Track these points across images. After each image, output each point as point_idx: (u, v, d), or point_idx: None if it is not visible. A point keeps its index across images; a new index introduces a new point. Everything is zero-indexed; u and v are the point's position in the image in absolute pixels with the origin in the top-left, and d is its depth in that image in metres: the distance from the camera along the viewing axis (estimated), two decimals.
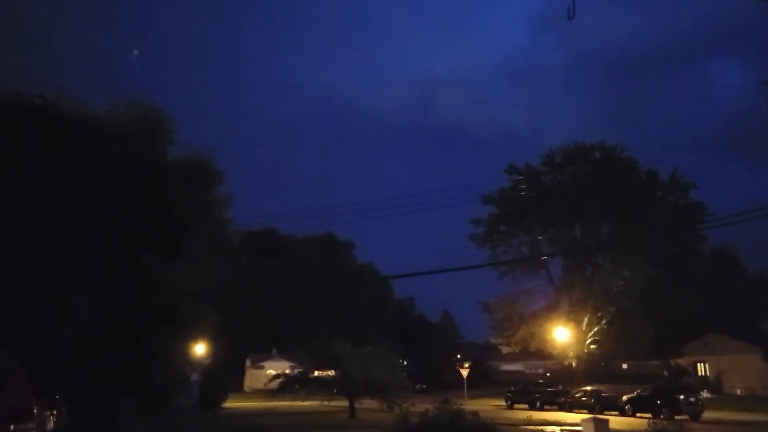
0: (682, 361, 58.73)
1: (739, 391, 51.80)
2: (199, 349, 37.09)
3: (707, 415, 32.29)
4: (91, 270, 21.66)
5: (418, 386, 52.41)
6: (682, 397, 32.89)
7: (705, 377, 56.41)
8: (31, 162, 21.25)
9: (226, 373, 42.23)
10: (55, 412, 19.15)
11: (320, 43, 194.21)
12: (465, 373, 50.25)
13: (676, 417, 28.18)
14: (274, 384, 35.53)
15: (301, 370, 37.79)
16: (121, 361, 21.54)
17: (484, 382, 69.23)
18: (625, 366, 67.60)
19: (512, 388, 46.64)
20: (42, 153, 21.54)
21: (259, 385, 53.01)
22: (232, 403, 41.77)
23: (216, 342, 40.68)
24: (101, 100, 24.74)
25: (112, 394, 21.61)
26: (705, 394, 43.42)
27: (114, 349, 21.35)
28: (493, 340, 59.61)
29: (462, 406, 16.44)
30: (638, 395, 35.62)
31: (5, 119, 21.84)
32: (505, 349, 57.69)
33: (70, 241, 21.42)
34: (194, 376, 33.99)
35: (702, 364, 57.85)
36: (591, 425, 13.51)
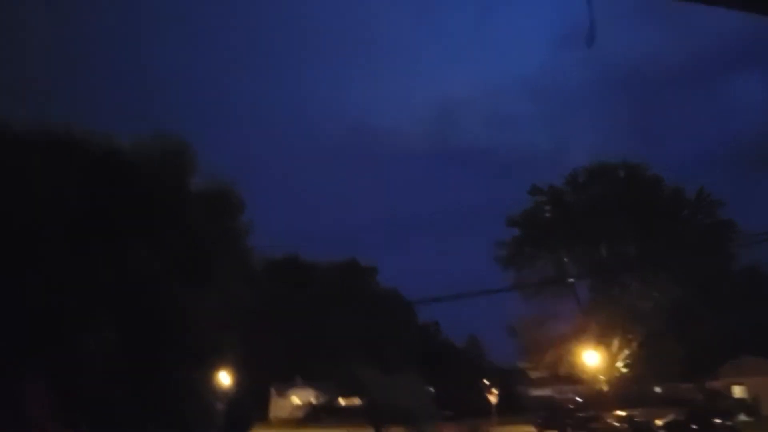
0: (717, 384, 57.10)
1: None
2: (224, 377, 36.97)
3: None
4: (118, 301, 21.86)
5: (445, 413, 51.49)
6: (718, 421, 31.97)
7: (741, 400, 54.76)
8: (59, 196, 21.61)
9: (251, 402, 41.98)
10: None
11: (340, 66, 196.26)
12: (493, 399, 49.37)
13: None
14: (300, 413, 35.30)
15: (326, 398, 37.54)
16: (148, 390, 21.57)
17: (513, 407, 67.92)
18: (658, 389, 65.89)
19: (542, 414, 45.74)
20: (70, 186, 21.91)
21: (285, 414, 52.59)
22: None
23: (240, 370, 40.54)
24: (127, 132, 25.18)
25: (139, 423, 21.61)
26: (742, 417, 42.13)
27: (140, 379, 21.41)
28: (520, 365, 58.61)
29: None
30: (673, 419, 34.71)
31: (35, 153, 22.31)
32: (533, 374, 56.66)
33: (98, 273, 21.66)
34: (219, 405, 33.85)
35: (738, 387, 56.20)
36: None
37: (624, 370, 51.08)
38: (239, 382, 42.21)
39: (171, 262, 23.78)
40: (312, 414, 34.67)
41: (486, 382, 70.99)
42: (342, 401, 35.67)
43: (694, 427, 31.91)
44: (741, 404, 53.11)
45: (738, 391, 56.08)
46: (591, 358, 49.17)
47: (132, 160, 24.48)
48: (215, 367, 28.29)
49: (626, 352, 50.56)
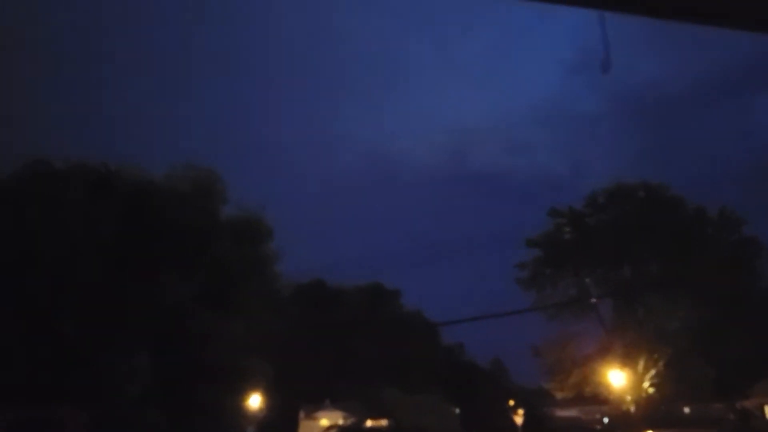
0: (749, 404, 56.25)
1: None
2: (254, 401, 37.80)
3: None
4: (150, 329, 22.83)
5: None
6: None
7: None
8: (94, 228, 22.81)
9: (280, 425, 42.68)
10: None
11: (360, 95, 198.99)
12: (519, 419, 49.48)
13: None
14: None
15: (353, 419, 38.06)
16: (179, 415, 22.39)
17: (538, 428, 67.53)
18: (687, 410, 65.01)
19: None
20: (104, 219, 23.13)
21: None
22: None
23: (270, 394, 41.32)
24: (159, 165, 26.44)
25: None
26: None
27: (172, 404, 22.24)
28: (545, 386, 58.44)
29: None
30: None
31: (70, 187, 23.59)
32: (558, 395, 56.44)
33: (131, 302, 22.72)
34: (249, 429, 34.56)
35: None
36: None
37: (651, 390, 50.70)
38: (269, 405, 43.01)
39: (201, 289, 24.78)
40: None
41: (511, 403, 70.84)
42: (369, 422, 36.16)
43: None
44: None
45: None
46: (617, 378, 49.01)
47: (164, 191, 25.61)
48: (245, 390, 29.13)
49: (653, 372, 50.23)
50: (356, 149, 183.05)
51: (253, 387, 30.68)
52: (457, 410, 47.28)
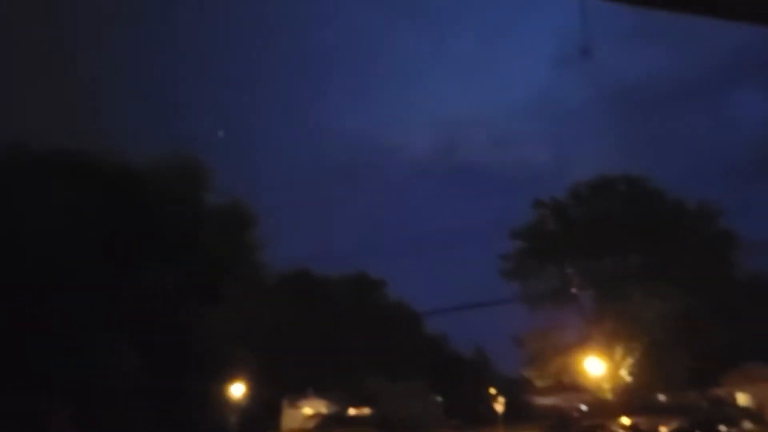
0: (722, 391, 57.53)
1: None
2: (237, 390, 37.88)
3: None
4: (134, 317, 22.74)
5: (453, 422, 52.23)
6: (722, 428, 32.65)
7: (746, 407, 55.18)
8: (76, 215, 22.57)
9: (263, 414, 42.84)
10: None
11: (350, 86, 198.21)
12: (500, 407, 50.07)
13: None
14: (311, 423, 36.10)
15: (336, 408, 38.32)
16: (162, 404, 22.37)
17: (519, 416, 68.44)
18: (662, 397, 66.33)
19: (548, 422, 46.46)
20: (86, 206, 22.89)
21: (296, 425, 53.33)
22: None
23: (253, 383, 41.42)
24: (142, 152, 26.17)
25: None
26: (746, 424, 42.66)
27: (155, 393, 22.21)
28: (526, 374, 59.23)
29: None
30: (678, 427, 35.43)
31: (51, 174, 23.28)
32: (539, 383, 57.26)
33: (114, 290, 22.58)
34: (232, 418, 34.68)
35: (742, 394, 56.64)
36: None
37: (628, 378, 51.67)
38: (252, 395, 43.10)
39: (186, 278, 24.71)
40: (323, 424, 35.43)
41: (492, 391, 71.65)
42: (353, 411, 36.45)
43: None
44: (745, 411, 53.61)
45: (742, 399, 56.56)
46: (595, 367, 49.84)
47: (147, 179, 25.39)
48: (229, 380, 29.18)
49: (630, 360, 51.18)
50: (343, 139, 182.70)
51: (237, 376, 30.76)
52: (440, 399, 47.75)
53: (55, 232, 22.26)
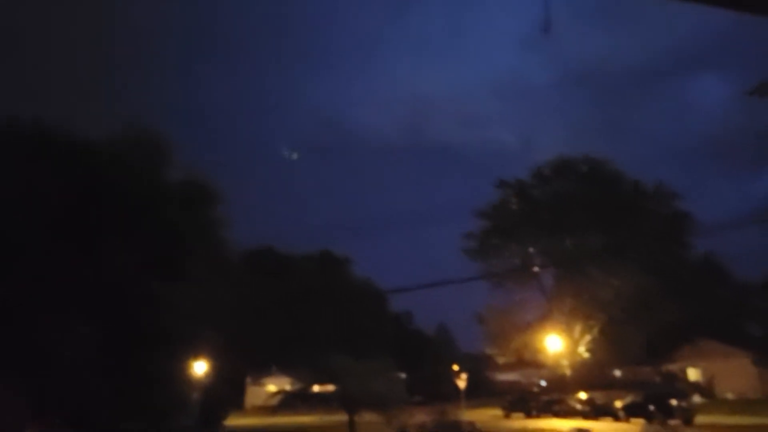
0: (674, 367, 59.56)
1: (730, 395, 52.60)
2: (199, 367, 37.50)
3: (699, 419, 33.07)
4: (92, 294, 22.13)
5: (416, 398, 52.86)
6: (674, 402, 33.64)
7: (696, 382, 57.25)
8: (30, 188, 21.78)
9: (226, 391, 42.55)
10: None
11: (316, 64, 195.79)
12: (462, 384, 50.79)
13: (669, 421, 28.95)
14: (275, 400, 36.03)
15: (300, 385, 38.28)
16: (122, 383, 21.92)
17: (480, 392, 69.70)
18: (618, 373, 68.29)
19: (508, 398, 47.35)
20: (41, 179, 22.09)
21: (260, 402, 53.35)
22: (232, 421, 42.13)
23: (216, 360, 41.01)
24: (99, 125, 25.37)
25: (114, 416, 22.02)
26: (696, 398, 44.27)
27: (115, 372, 21.74)
28: (488, 351, 60.24)
29: (459, 417, 17.12)
30: (631, 401, 36.37)
31: (3, 146, 22.38)
32: (500, 359, 58.37)
33: (71, 266, 21.91)
34: (194, 395, 34.38)
35: (693, 369, 58.72)
36: None
37: (586, 355, 52.98)
38: (215, 372, 42.71)
39: (146, 254, 24.14)
40: (286, 401, 35.39)
41: (455, 368, 72.69)
42: (316, 388, 36.49)
43: (651, 408, 33.53)
44: (696, 386, 55.62)
45: (693, 374, 58.65)
46: (554, 344, 50.97)
47: (105, 152, 24.62)
48: (190, 357, 28.79)
49: (588, 338, 52.44)
50: (310, 116, 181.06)
51: (199, 353, 30.38)
52: (403, 375, 48.16)
53: (7, 204, 21.39)
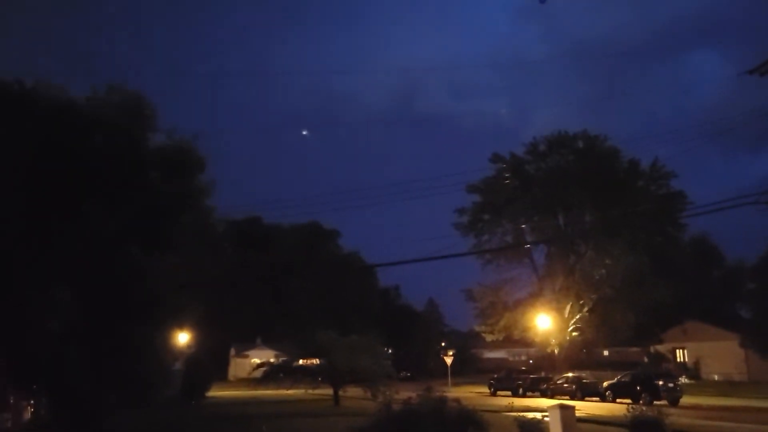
0: (662, 348, 59.73)
1: (716, 377, 52.79)
2: (183, 338, 37.02)
3: (685, 400, 32.92)
4: (73, 261, 21.40)
5: (402, 374, 52.84)
6: (661, 383, 33.46)
7: (684, 363, 57.45)
8: (7, 150, 20.87)
9: (210, 362, 42.19)
10: (32, 402, 18.97)
11: (306, 30, 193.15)
12: (449, 360, 50.74)
13: (655, 402, 28.68)
14: (259, 373, 35.63)
15: (285, 358, 37.87)
16: (104, 352, 21.34)
17: (468, 369, 69.93)
18: (606, 353, 68.55)
19: (495, 376, 47.23)
20: (19, 141, 21.18)
21: (244, 374, 53.13)
22: (216, 392, 41.82)
23: (200, 331, 40.64)
24: (81, 87, 24.32)
25: (95, 386, 21.48)
26: (683, 379, 44.25)
27: (96, 341, 21.14)
28: (476, 328, 60.00)
29: (445, 394, 16.62)
30: (618, 381, 36.19)
31: None
32: (488, 337, 58.10)
33: (51, 232, 21.15)
34: (177, 366, 33.95)
35: (681, 351, 58.91)
36: (557, 412, 13.60)
37: (574, 334, 52.83)
38: (198, 343, 42.40)
39: (128, 221, 23.32)
40: (271, 374, 34.96)
41: (443, 344, 72.78)
42: (301, 362, 36.11)
43: (638, 389, 33.35)
44: (683, 367, 55.80)
45: (680, 355, 58.83)
46: (544, 322, 50.76)
47: (87, 114, 23.67)
48: (174, 327, 28.14)
49: (577, 317, 52.23)
50: (301, 83, 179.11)
51: (183, 323, 29.77)
52: (390, 351, 47.91)
53: None
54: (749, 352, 50.53)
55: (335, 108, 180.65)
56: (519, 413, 17.25)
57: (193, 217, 26.87)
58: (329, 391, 34.01)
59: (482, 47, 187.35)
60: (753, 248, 54.87)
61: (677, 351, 59.25)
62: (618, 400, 33.77)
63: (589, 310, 52.05)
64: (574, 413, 13.80)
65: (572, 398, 36.31)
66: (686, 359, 57.90)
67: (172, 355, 29.02)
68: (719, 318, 55.32)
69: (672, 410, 17.82)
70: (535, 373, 47.03)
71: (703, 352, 55.19)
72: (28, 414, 21.13)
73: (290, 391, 35.12)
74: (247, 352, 66.06)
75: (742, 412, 28.15)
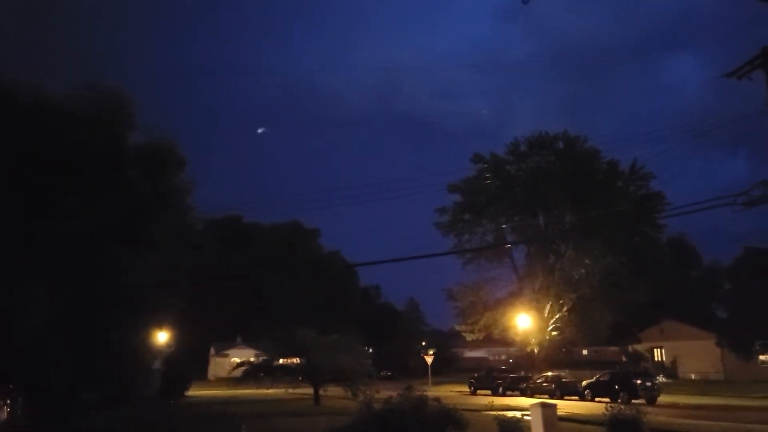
0: (640, 347, 60.46)
1: (693, 376, 53.58)
2: (162, 337, 36.61)
3: (663, 399, 33.34)
4: (50, 258, 21.11)
5: (383, 373, 52.85)
6: (638, 381, 33.86)
7: (661, 362, 58.22)
8: None
9: (189, 362, 41.86)
10: (9, 402, 18.67)
11: (288, 29, 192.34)
12: (429, 360, 50.85)
13: (634, 401, 28.99)
14: (239, 372, 35.40)
15: (265, 358, 37.68)
16: (82, 351, 21.08)
17: (448, 368, 70.16)
18: (585, 352, 69.28)
19: (475, 375, 47.43)
20: None
21: (224, 373, 52.79)
22: (195, 391, 41.50)
23: (179, 330, 40.21)
24: (59, 84, 24.00)
25: (72, 385, 21.21)
26: (661, 378, 44.83)
27: (74, 339, 20.89)
28: (457, 328, 60.12)
29: (426, 393, 16.66)
30: (597, 380, 36.54)
31: None
32: (468, 337, 58.24)
33: (28, 228, 20.84)
34: (156, 365, 33.61)
35: (659, 350, 59.68)
36: (539, 411, 13.68)
37: (554, 333, 53.18)
38: (178, 342, 41.96)
39: (107, 219, 23.04)
40: (251, 373, 34.76)
41: (423, 343, 72.94)
42: (281, 361, 35.96)
43: (616, 387, 33.70)
44: (660, 366, 56.55)
45: (658, 354, 59.62)
46: (524, 322, 51.06)
47: (65, 110, 23.37)
48: (153, 326, 27.82)
49: (557, 316, 52.58)
50: (282, 81, 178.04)
51: (162, 322, 29.42)
52: (371, 350, 47.93)
53: None
54: (725, 351, 51.36)
55: (316, 107, 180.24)
56: (499, 412, 17.32)
57: (173, 215, 26.62)
58: (309, 391, 33.91)
59: (465, 47, 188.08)
60: (729, 249, 55.82)
61: (655, 350, 60.02)
62: (597, 399, 34.08)
63: (569, 310, 52.44)
64: (555, 412, 13.89)
65: (551, 397, 36.59)
66: (664, 358, 58.66)
67: (150, 354, 28.69)
68: (696, 318, 56.12)
69: (650, 409, 18.05)
70: (514, 373, 47.31)
71: (680, 351, 55.97)
72: (4, 414, 20.80)
73: (270, 391, 34.95)
74: (226, 351, 65.65)
75: (719, 410, 28.55)
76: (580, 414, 24.15)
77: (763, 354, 46.13)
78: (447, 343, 77.76)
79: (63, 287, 20.81)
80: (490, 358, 78.29)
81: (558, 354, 58.99)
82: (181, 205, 27.21)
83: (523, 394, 39.92)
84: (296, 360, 34.92)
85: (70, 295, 20.83)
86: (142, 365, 25.73)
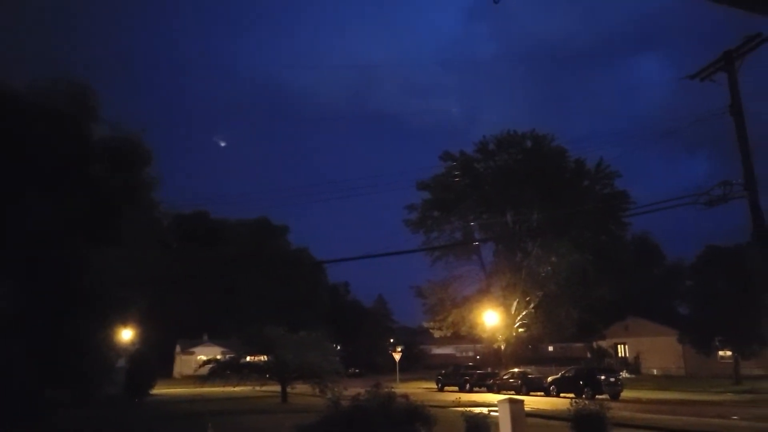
0: (604, 344, 61.55)
1: (655, 371, 54.77)
2: (126, 334, 35.97)
3: (626, 394, 34.02)
4: (12, 252, 20.61)
5: (351, 371, 52.88)
6: (602, 377, 34.49)
7: (625, 358, 59.38)
8: None
9: (154, 359, 41.22)
10: None
11: (258, 25, 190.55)
12: (397, 357, 51.02)
13: (597, 396, 29.53)
14: (205, 370, 34.96)
15: (232, 355, 37.30)
16: (44, 348, 20.65)
17: (416, 365, 70.59)
18: (551, 348, 70.32)
19: (443, 371, 47.72)
20: None
21: (190, 371, 52.15)
22: (160, 390, 40.92)
23: (144, 327, 39.55)
24: (21, 77, 23.43)
25: (34, 383, 20.74)
26: (624, 374, 45.68)
27: (36, 336, 20.43)
28: (425, 325, 60.45)
29: (393, 390, 16.68)
30: (562, 376, 37.11)
31: None
32: (436, 333, 58.58)
33: None
34: (121, 363, 33.03)
35: (622, 346, 60.85)
36: (507, 406, 13.78)
37: (520, 330, 53.80)
38: (143, 340, 41.25)
39: (71, 214, 22.56)
40: (218, 371, 34.37)
41: (391, 340, 73.22)
42: (248, 358, 35.63)
43: (581, 383, 34.25)
44: (624, 362, 57.67)
45: (622, 350, 60.80)
46: (491, 318, 51.55)
47: (27, 104, 22.81)
48: (117, 323, 27.34)
49: (524, 313, 53.19)
50: (251, 78, 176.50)
51: (126, 319, 28.92)
52: (339, 347, 47.83)
53: None
54: (686, 347, 52.51)
55: (287, 103, 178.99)
56: (466, 408, 17.44)
57: (139, 211, 26.19)
58: (277, 388, 33.70)
59: (434, 46, 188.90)
60: (691, 247, 57.22)
61: (619, 346, 61.18)
62: (562, 395, 34.62)
63: (535, 307, 53.10)
64: (523, 407, 14.01)
65: (518, 393, 37.02)
66: (627, 354, 59.84)
67: (115, 351, 28.20)
68: (659, 314, 57.33)
69: (613, 404, 18.38)
70: (481, 369, 47.77)
71: (643, 347, 57.15)
72: None
73: (237, 389, 34.64)
74: (193, 349, 64.85)
75: (679, 405, 29.22)
76: (545, 409, 24.49)
77: (722, 350, 47.32)
78: (415, 340, 78.15)
79: (25, 282, 20.34)
80: (458, 354, 78.95)
81: (524, 350, 59.77)
82: (147, 200, 26.82)
83: (490, 390, 40.32)
84: (264, 357, 34.64)
85: (32, 290, 20.37)
86: (106, 363, 25.27)
